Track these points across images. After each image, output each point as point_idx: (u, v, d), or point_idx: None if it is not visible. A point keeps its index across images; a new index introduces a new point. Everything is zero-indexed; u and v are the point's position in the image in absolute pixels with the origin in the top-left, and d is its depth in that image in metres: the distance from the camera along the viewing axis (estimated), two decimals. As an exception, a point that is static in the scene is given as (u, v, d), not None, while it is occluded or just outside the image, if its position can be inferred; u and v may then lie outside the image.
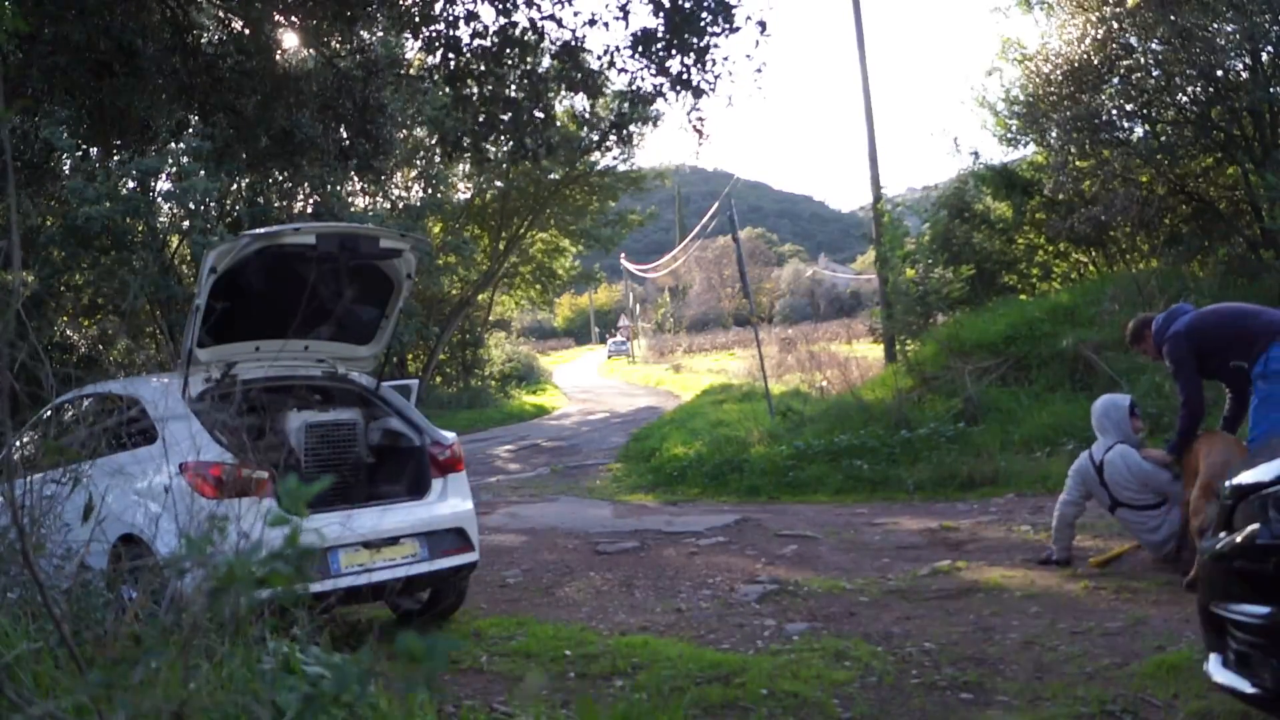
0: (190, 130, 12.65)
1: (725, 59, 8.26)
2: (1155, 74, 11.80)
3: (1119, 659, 4.03)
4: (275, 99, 8.50)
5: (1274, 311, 5.18)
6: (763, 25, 8.09)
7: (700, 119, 8.66)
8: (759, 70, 8.69)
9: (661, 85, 8.18)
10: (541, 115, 8.62)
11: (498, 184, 26.00)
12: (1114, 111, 12.45)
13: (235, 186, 16.62)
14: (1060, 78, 12.23)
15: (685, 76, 8.08)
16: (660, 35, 7.92)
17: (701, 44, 7.93)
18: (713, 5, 7.80)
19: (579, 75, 8.31)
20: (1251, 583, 2.91)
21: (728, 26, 7.95)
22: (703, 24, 7.83)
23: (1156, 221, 12.89)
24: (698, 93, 8.20)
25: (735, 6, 7.90)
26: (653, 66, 8.09)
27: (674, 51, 7.95)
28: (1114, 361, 9.83)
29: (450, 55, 8.10)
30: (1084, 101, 11.97)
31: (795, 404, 13.66)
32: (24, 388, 2.68)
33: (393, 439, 5.63)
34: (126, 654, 1.29)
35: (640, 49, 8.03)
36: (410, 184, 23.72)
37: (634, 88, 8.34)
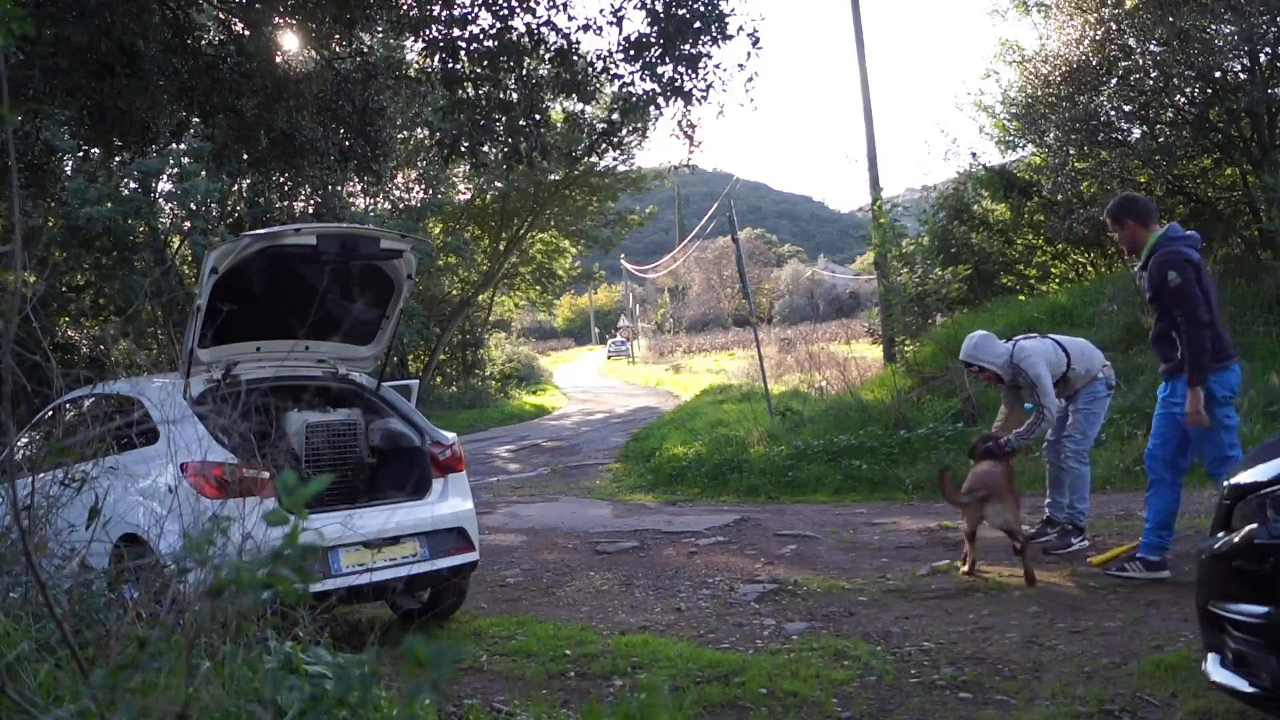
0: (191, 131, 12.67)
1: (718, 66, 8.26)
2: (1153, 75, 11.81)
3: (1117, 658, 4.04)
4: (275, 101, 8.50)
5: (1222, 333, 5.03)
6: (755, 38, 8.13)
7: (691, 125, 8.71)
8: (750, 80, 8.70)
9: (654, 91, 8.21)
10: (536, 118, 8.65)
11: (497, 185, 26.03)
12: (1112, 112, 12.46)
13: (236, 187, 16.67)
14: (1058, 79, 12.24)
15: (677, 83, 8.11)
16: (653, 41, 7.95)
17: (694, 51, 7.96)
18: (706, 14, 7.83)
19: (573, 80, 8.34)
20: (1249, 582, 2.92)
21: (720, 35, 7.99)
22: (695, 31, 7.87)
23: (1155, 222, 12.90)
24: (689, 99, 8.24)
25: (729, 15, 7.93)
26: (645, 72, 8.12)
27: (666, 58, 7.99)
28: (1112, 362, 9.82)
29: (448, 58, 8.13)
30: (1082, 103, 11.98)
31: (794, 404, 13.68)
32: (33, 387, 2.69)
33: (393, 439, 5.64)
34: (132, 657, 1.30)
35: (633, 54, 8.06)
36: (411, 185, 23.75)
37: (627, 93, 8.37)
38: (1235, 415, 5.01)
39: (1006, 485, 5.63)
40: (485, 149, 8.97)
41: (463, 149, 8.73)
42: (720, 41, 7.98)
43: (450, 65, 8.15)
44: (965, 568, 5.76)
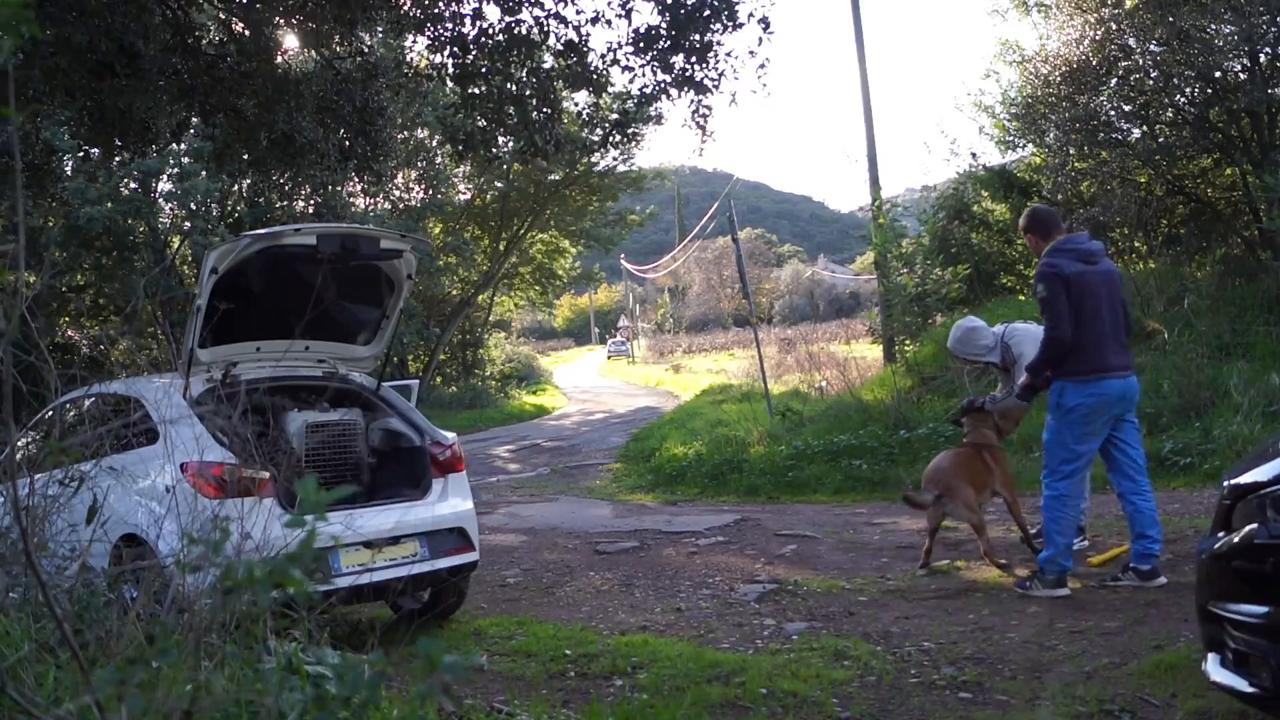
0: (191, 131, 12.67)
1: (729, 54, 8.23)
2: (1153, 75, 11.80)
3: (1117, 658, 4.04)
4: (275, 101, 8.50)
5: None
6: (766, 23, 8.09)
7: (704, 116, 8.68)
8: (762, 66, 8.64)
9: (664, 83, 8.19)
10: (548, 111, 8.64)
11: (497, 185, 26.03)
12: (1112, 112, 12.45)
13: (236, 187, 16.67)
14: (1058, 79, 12.24)
15: (688, 74, 8.09)
16: (663, 32, 7.94)
17: (704, 41, 7.94)
18: (715, 2, 7.81)
19: (583, 73, 8.33)
20: (1249, 582, 2.92)
21: (731, 23, 7.96)
22: (705, 20, 7.84)
23: (1154, 222, 12.90)
24: (700, 89, 8.22)
25: (738, 3, 7.91)
26: (655, 64, 8.11)
27: (676, 49, 7.97)
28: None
29: (457, 54, 8.13)
30: (1082, 103, 11.98)
31: (794, 404, 13.68)
32: (29, 388, 2.69)
33: (393, 439, 5.64)
34: (142, 653, 1.30)
35: (643, 46, 8.05)
36: (411, 185, 23.76)
37: (637, 85, 8.36)
38: (1088, 436, 5.04)
39: (963, 477, 5.70)
40: (499, 142, 8.97)
41: (476, 142, 8.72)
42: (731, 29, 7.95)
43: (460, 61, 8.15)
44: (920, 563, 5.96)
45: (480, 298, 28.02)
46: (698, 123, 8.70)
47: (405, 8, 8.34)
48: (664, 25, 7.91)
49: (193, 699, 1.30)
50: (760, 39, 8.12)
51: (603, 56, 8.29)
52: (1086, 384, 4.96)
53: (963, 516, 5.77)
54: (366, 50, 9.14)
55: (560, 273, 32.38)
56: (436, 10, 8.21)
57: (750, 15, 8.04)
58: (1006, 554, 6.20)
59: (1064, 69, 12.13)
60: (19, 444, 4.16)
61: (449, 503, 5.36)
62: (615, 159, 25.82)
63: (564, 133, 9.35)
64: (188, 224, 15.67)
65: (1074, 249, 5.09)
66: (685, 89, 8.19)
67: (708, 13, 7.82)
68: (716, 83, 8.18)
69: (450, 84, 8.77)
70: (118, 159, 13.60)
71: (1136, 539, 5.09)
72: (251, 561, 1.21)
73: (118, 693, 1.28)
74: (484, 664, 4.64)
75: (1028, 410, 6.27)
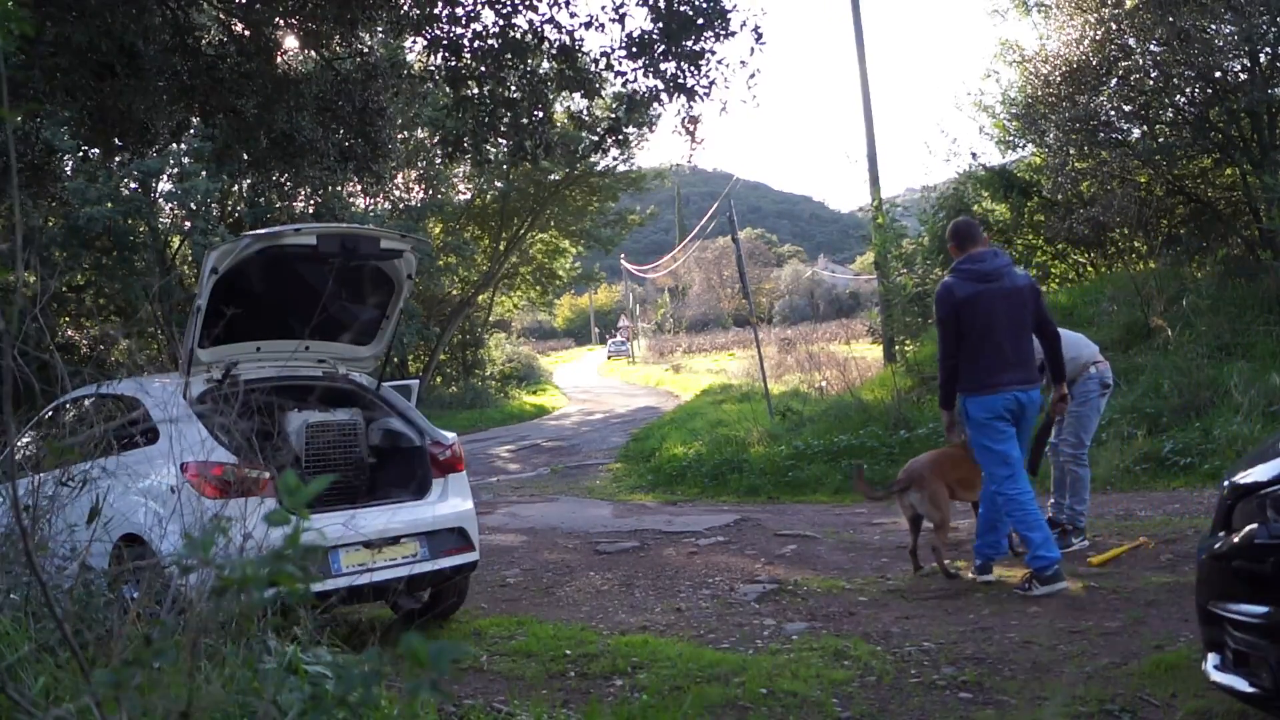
0: (191, 131, 12.68)
1: (721, 62, 8.32)
2: (1153, 75, 11.80)
3: (1117, 658, 4.04)
4: (275, 101, 8.52)
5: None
6: (758, 33, 8.15)
7: (693, 121, 8.75)
8: (752, 77, 8.73)
9: (656, 88, 8.25)
10: (540, 115, 8.68)
11: (498, 185, 26.02)
12: (1112, 112, 12.45)
13: (236, 187, 16.65)
14: (1058, 79, 12.24)
15: (679, 79, 8.15)
16: (656, 38, 7.99)
17: (696, 48, 7.99)
18: (708, 10, 7.86)
19: (575, 76, 8.37)
20: (1250, 582, 2.92)
21: (723, 31, 8.02)
22: (698, 28, 7.90)
23: (1155, 222, 12.90)
24: (691, 95, 8.27)
25: (730, 12, 7.96)
26: (648, 69, 8.16)
27: (669, 55, 8.03)
28: (1112, 362, 9.83)
29: (452, 57, 8.17)
30: (1082, 103, 11.97)
31: (794, 404, 13.69)
32: (42, 386, 2.69)
33: (393, 439, 5.64)
34: (139, 654, 1.30)
35: (635, 51, 8.09)
36: (411, 185, 23.75)
37: (629, 90, 8.41)
38: (1003, 436, 5.23)
39: (936, 472, 5.75)
40: (489, 146, 9.01)
41: (466, 146, 8.77)
42: (723, 38, 8.01)
43: (454, 63, 8.19)
44: (911, 564, 5.97)
45: (480, 298, 28.01)
46: (687, 129, 8.76)
47: (405, 8, 8.36)
48: (657, 31, 7.96)
49: (190, 699, 1.30)
50: (752, 49, 8.27)
51: (596, 61, 8.33)
52: (981, 397, 5.22)
53: (924, 510, 5.81)
54: (366, 51, 9.16)
55: (560, 273, 32.36)
56: (434, 11, 8.23)
57: (743, 25, 8.10)
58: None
59: (1064, 69, 12.12)
60: (22, 443, 4.16)
61: (449, 503, 5.36)
62: (615, 159, 25.83)
63: (556, 136, 9.40)
64: (188, 224, 15.64)
65: (971, 269, 5.23)
66: (676, 94, 8.26)
67: (700, 20, 7.87)
68: (708, 90, 8.26)
69: (445, 86, 8.80)
70: (118, 159, 13.59)
71: (987, 529, 5.45)
72: (245, 560, 1.21)
73: (116, 694, 1.28)
74: (473, 653, 4.64)
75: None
